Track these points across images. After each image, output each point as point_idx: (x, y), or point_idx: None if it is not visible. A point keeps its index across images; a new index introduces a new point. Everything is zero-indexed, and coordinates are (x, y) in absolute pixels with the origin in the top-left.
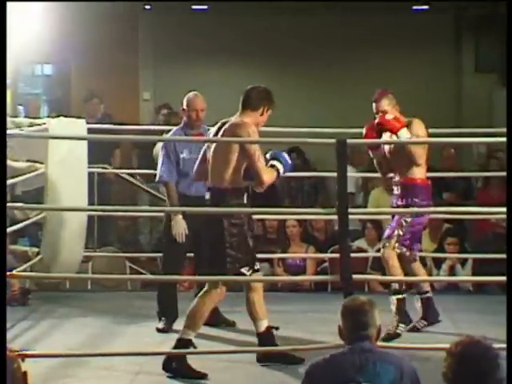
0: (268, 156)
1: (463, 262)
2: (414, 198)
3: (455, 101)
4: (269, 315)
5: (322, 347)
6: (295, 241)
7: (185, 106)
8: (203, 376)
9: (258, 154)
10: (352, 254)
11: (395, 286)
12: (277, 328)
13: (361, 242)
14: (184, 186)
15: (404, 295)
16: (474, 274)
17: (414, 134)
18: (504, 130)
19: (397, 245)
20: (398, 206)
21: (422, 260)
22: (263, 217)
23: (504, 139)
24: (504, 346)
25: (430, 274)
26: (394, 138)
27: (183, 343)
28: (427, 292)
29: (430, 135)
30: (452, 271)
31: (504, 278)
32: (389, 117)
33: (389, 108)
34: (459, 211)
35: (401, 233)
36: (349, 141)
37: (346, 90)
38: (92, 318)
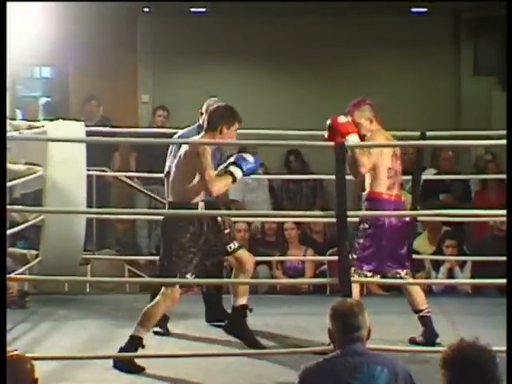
0: (230, 160)
1: (462, 264)
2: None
3: (454, 103)
4: (267, 317)
5: (320, 350)
6: (294, 243)
7: (203, 110)
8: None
9: (206, 164)
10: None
11: None
12: (251, 310)
13: None
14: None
15: None
16: (472, 277)
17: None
18: (502, 132)
19: (352, 270)
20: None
21: (421, 263)
22: (262, 219)
23: (503, 142)
24: (503, 348)
25: (428, 277)
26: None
27: (133, 341)
28: (422, 310)
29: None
30: (450, 274)
31: (503, 281)
32: (342, 120)
33: (362, 120)
34: (457, 214)
35: (354, 256)
36: (347, 143)
37: (347, 91)
38: (90, 321)
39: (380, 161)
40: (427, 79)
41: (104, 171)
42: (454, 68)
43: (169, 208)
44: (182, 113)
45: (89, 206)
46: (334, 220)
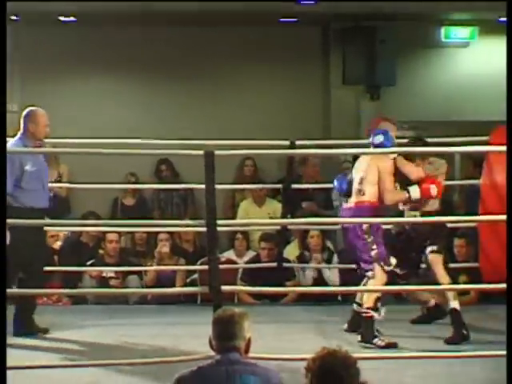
0: None
1: (328, 261)
2: None
3: (323, 112)
4: (138, 328)
5: (192, 359)
6: (165, 253)
7: (33, 121)
8: None
9: None
10: (221, 266)
11: None
12: None
13: (230, 254)
14: (31, 198)
15: None
16: (342, 284)
17: None
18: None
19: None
20: None
21: (291, 271)
22: (132, 229)
23: (372, 150)
24: (366, 355)
25: (298, 284)
26: None
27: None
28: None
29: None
30: (319, 272)
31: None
32: None
33: None
34: (324, 222)
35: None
36: (217, 152)
37: (217, 101)
38: None
39: None
40: (297, 88)
41: None
42: (323, 77)
43: None
44: (51, 122)
45: None
46: (204, 229)
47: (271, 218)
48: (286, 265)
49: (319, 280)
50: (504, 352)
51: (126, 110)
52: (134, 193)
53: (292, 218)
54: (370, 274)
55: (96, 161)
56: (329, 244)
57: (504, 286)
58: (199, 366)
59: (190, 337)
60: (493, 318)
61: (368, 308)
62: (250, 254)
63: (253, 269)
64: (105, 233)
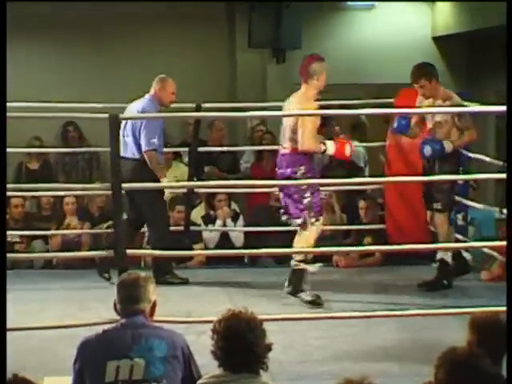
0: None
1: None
2: None
3: (229, 76)
4: (44, 292)
5: (97, 323)
6: (71, 217)
7: (161, 87)
8: None
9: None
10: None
11: None
12: None
13: None
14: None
15: None
16: (246, 247)
17: None
18: (277, 103)
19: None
20: None
21: (199, 235)
22: (38, 194)
23: (277, 113)
24: (275, 316)
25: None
26: None
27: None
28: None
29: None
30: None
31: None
32: None
33: None
34: (227, 184)
35: None
36: (121, 115)
37: (126, 64)
38: None
39: None
40: (203, 52)
41: None
42: (229, 40)
43: None
44: None
45: None
46: (109, 192)
47: (178, 181)
48: (192, 228)
49: (225, 241)
50: (411, 312)
51: (36, 73)
52: (39, 157)
53: (198, 181)
54: (299, 221)
55: None
56: (235, 206)
57: (410, 246)
58: (104, 329)
59: (96, 301)
60: (400, 278)
61: (299, 261)
62: None
63: None
64: (9, 197)
